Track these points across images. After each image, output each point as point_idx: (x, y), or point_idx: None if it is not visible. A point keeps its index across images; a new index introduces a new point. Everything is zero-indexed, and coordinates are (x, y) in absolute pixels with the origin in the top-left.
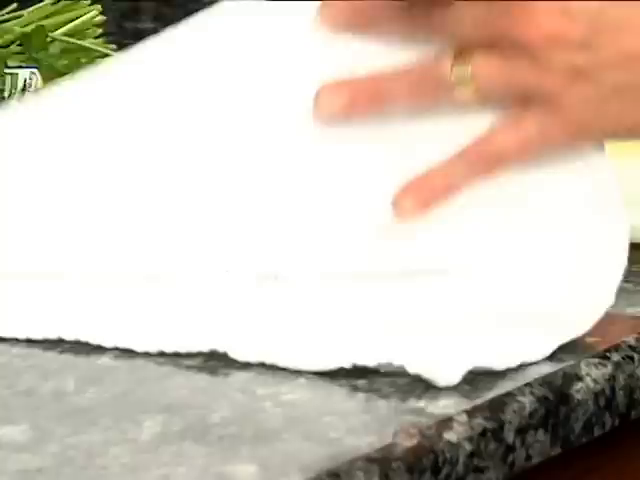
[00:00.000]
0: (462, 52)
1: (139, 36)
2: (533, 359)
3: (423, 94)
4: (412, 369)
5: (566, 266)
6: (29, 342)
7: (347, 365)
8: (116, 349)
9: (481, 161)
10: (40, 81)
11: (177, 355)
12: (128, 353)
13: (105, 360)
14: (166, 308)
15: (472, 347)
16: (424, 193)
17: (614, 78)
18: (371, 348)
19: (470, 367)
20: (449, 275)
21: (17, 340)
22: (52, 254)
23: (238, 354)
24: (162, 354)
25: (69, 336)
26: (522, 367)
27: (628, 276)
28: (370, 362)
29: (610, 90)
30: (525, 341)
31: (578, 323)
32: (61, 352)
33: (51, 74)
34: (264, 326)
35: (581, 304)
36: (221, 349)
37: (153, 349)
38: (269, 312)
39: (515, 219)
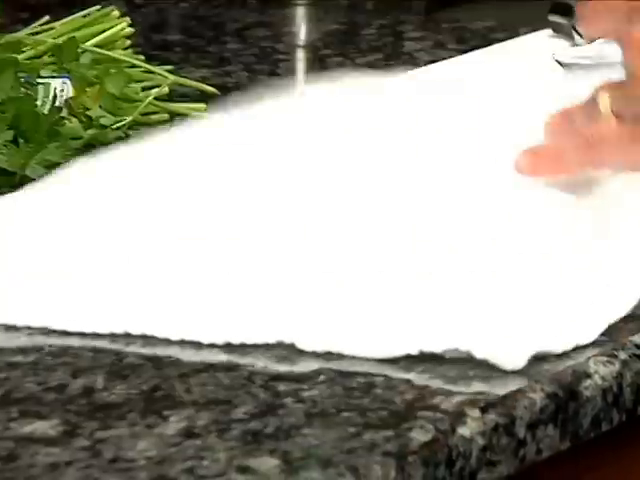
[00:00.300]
0: None
1: (166, 47)
2: (585, 342)
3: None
4: (478, 355)
5: (612, 251)
6: (61, 340)
7: (414, 352)
8: (142, 348)
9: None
10: (71, 90)
11: (202, 353)
12: (154, 351)
13: (132, 358)
14: (231, 299)
15: (534, 332)
16: (536, 161)
17: None
18: (437, 335)
19: (533, 351)
20: (510, 264)
21: (48, 338)
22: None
23: (305, 344)
24: (187, 352)
25: (138, 330)
26: (533, 364)
27: None
28: (436, 348)
29: None
30: (577, 325)
31: (620, 305)
32: (90, 350)
33: (82, 83)
34: (329, 315)
35: (622, 286)
36: (288, 340)
37: (219, 340)
38: (334, 301)
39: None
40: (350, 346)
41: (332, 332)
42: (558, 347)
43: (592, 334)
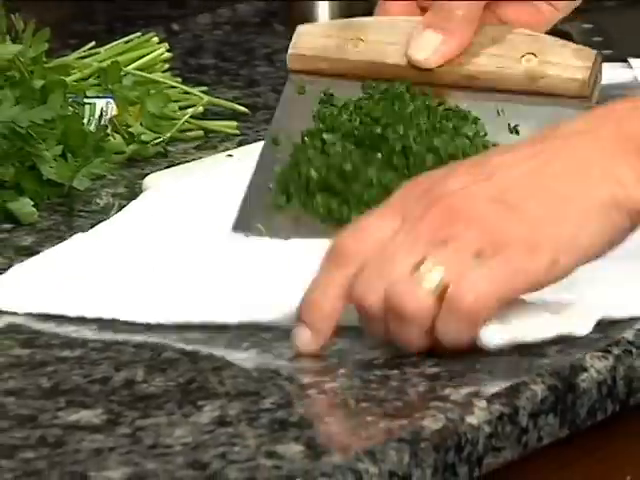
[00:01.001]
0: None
1: (201, 70)
2: None
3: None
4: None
5: None
6: (104, 336)
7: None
8: (180, 344)
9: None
10: (115, 109)
11: (233, 348)
12: (191, 347)
13: (170, 353)
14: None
15: (598, 300)
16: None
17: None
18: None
19: (599, 317)
20: None
21: (93, 334)
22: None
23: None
24: (219, 347)
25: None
26: (535, 359)
27: None
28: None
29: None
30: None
31: None
32: (132, 346)
33: (124, 103)
34: None
35: None
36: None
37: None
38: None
39: None
40: None
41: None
42: (621, 314)
43: None
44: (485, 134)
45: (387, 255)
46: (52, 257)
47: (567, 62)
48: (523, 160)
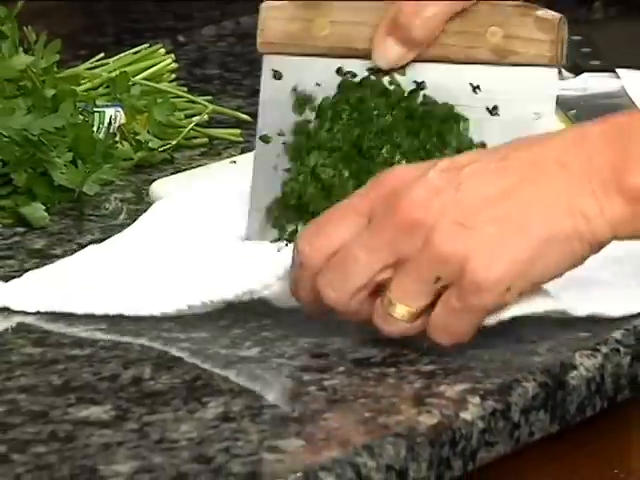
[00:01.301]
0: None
1: (206, 80)
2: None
3: None
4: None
5: None
6: (113, 336)
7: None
8: (185, 343)
9: None
10: (123, 118)
11: (236, 347)
12: (196, 346)
13: (176, 351)
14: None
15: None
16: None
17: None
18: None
19: (594, 310)
20: None
21: (102, 334)
22: None
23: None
24: (223, 346)
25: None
26: (526, 357)
27: None
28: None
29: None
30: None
31: None
32: (139, 345)
33: (132, 112)
34: None
35: None
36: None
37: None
38: None
39: None
40: None
41: None
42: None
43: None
44: (469, 138)
45: (350, 257)
46: (64, 265)
47: (532, 36)
48: (493, 178)
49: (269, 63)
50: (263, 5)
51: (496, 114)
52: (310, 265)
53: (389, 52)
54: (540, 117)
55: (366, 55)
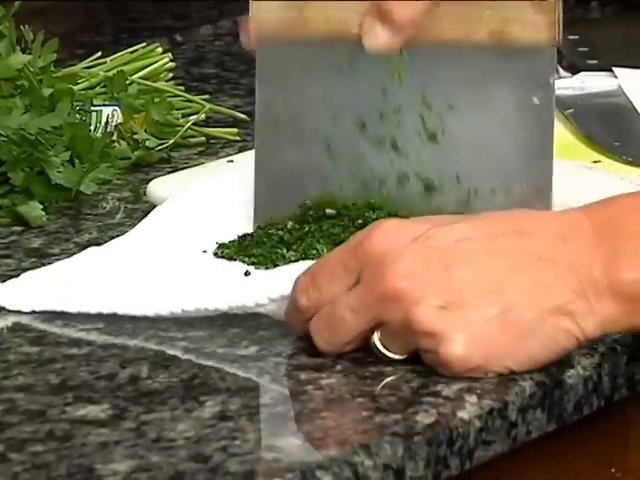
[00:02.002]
0: None
1: (203, 79)
2: None
3: None
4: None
5: None
6: (110, 335)
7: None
8: (182, 342)
9: None
10: (120, 117)
11: (234, 346)
12: (193, 345)
13: (173, 351)
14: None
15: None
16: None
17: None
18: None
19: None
20: None
21: (100, 334)
22: None
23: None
24: (220, 345)
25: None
26: None
27: None
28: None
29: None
30: None
31: None
32: (136, 344)
33: (130, 111)
34: None
35: None
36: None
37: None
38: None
39: None
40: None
41: None
42: None
43: None
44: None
45: (338, 316)
46: (61, 266)
47: (529, 18)
48: (483, 262)
49: (262, 52)
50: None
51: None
52: (304, 312)
53: (377, 37)
54: (539, 100)
55: (359, 39)
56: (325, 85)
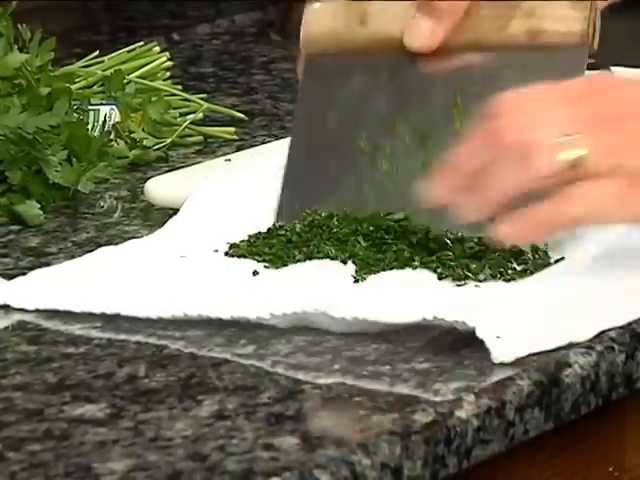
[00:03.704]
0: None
1: (200, 78)
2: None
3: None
4: (480, 334)
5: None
6: (108, 334)
7: (429, 317)
8: (180, 341)
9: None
10: (118, 116)
11: (231, 345)
12: (191, 344)
13: (170, 350)
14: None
15: (534, 335)
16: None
17: None
18: (451, 308)
19: (524, 354)
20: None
21: (97, 332)
22: None
23: (336, 312)
24: (218, 344)
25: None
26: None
27: None
28: (448, 318)
29: None
30: (573, 326)
31: (619, 314)
32: (134, 343)
33: (127, 110)
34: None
35: (622, 300)
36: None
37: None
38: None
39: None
40: (374, 313)
41: (360, 302)
42: (550, 345)
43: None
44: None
45: (540, 115)
46: (65, 267)
47: (563, 14)
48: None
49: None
50: (309, 5)
51: None
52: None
53: (419, 28)
54: None
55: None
56: (363, 98)
